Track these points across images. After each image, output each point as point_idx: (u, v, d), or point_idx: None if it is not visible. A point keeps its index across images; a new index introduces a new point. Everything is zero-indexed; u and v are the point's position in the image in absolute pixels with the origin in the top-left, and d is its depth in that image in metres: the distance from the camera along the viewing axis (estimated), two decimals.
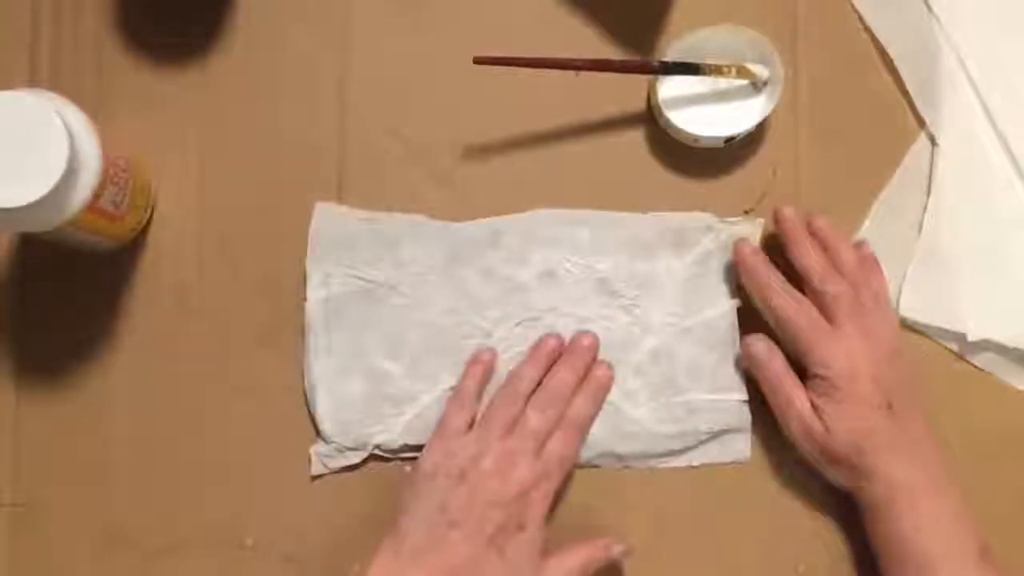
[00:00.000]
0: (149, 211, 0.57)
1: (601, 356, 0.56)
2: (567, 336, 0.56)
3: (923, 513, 0.51)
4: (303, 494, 0.56)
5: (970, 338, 0.58)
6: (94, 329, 0.57)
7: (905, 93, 0.59)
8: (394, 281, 0.57)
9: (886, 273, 0.57)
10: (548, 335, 0.56)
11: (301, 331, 0.56)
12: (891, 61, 0.59)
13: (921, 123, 0.59)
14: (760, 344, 0.55)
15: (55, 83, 0.57)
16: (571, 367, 0.55)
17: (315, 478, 0.56)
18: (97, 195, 0.49)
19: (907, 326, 0.58)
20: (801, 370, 0.54)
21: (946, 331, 0.58)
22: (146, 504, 0.55)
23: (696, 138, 0.57)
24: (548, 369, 0.55)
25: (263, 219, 0.57)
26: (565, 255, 0.57)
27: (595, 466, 0.56)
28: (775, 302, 0.54)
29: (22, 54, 0.58)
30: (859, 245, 0.57)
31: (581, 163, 0.58)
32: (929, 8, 0.60)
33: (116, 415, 0.56)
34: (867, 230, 0.59)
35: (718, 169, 0.59)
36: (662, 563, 0.56)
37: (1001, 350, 0.58)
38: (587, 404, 0.55)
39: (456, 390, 0.55)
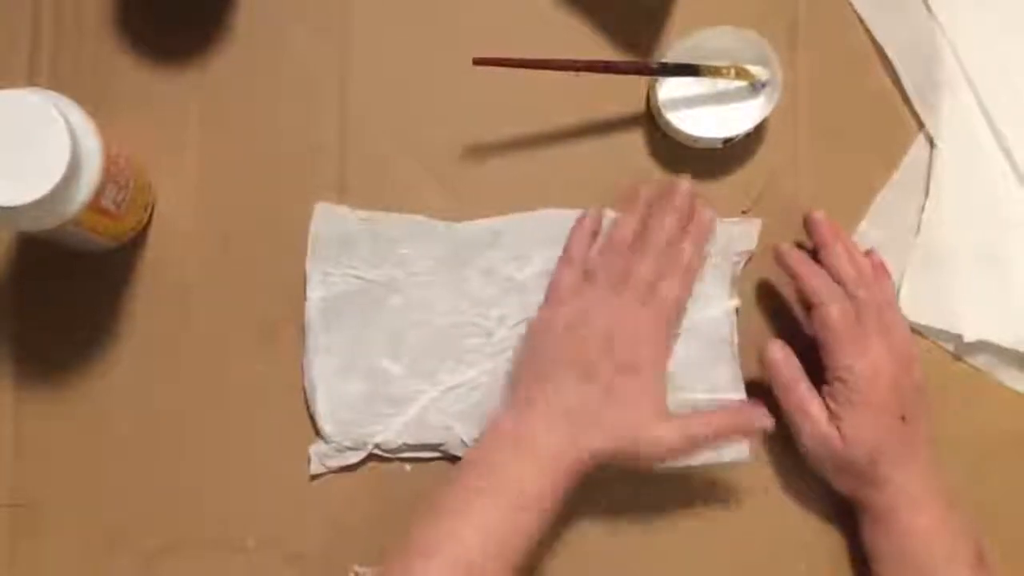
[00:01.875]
0: (149, 211, 0.57)
1: None
2: None
3: (924, 521, 0.52)
4: (303, 494, 0.56)
5: (967, 339, 0.58)
6: (94, 329, 0.56)
7: (904, 94, 0.60)
8: (394, 281, 0.57)
9: None
10: (646, 182, 0.56)
11: (301, 331, 0.56)
12: (890, 62, 0.59)
13: (920, 124, 0.60)
14: (777, 350, 0.55)
15: (55, 83, 0.57)
16: (674, 211, 0.54)
17: (314, 477, 0.56)
18: (98, 194, 0.49)
19: None
20: (815, 381, 0.54)
21: (943, 332, 0.58)
22: (146, 504, 0.55)
23: (695, 139, 0.57)
24: (645, 218, 0.55)
25: (263, 219, 0.57)
26: None
27: None
28: (817, 300, 0.54)
29: (22, 54, 0.57)
30: (870, 253, 0.57)
31: (581, 164, 0.59)
32: (928, 9, 0.60)
33: (116, 415, 0.56)
34: (865, 231, 0.59)
35: (717, 170, 0.59)
36: (663, 563, 0.56)
37: (998, 351, 0.59)
38: (694, 247, 0.54)
39: (564, 250, 0.56)
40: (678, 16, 0.59)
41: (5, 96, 0.47)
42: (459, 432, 0.56)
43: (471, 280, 0.57)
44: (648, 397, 0.51)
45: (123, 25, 0.58)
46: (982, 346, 0.58)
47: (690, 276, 0.54)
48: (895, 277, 0.58)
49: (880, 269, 0.56)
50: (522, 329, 0.56)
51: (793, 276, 0.55)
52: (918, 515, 0.52)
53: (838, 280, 0.54)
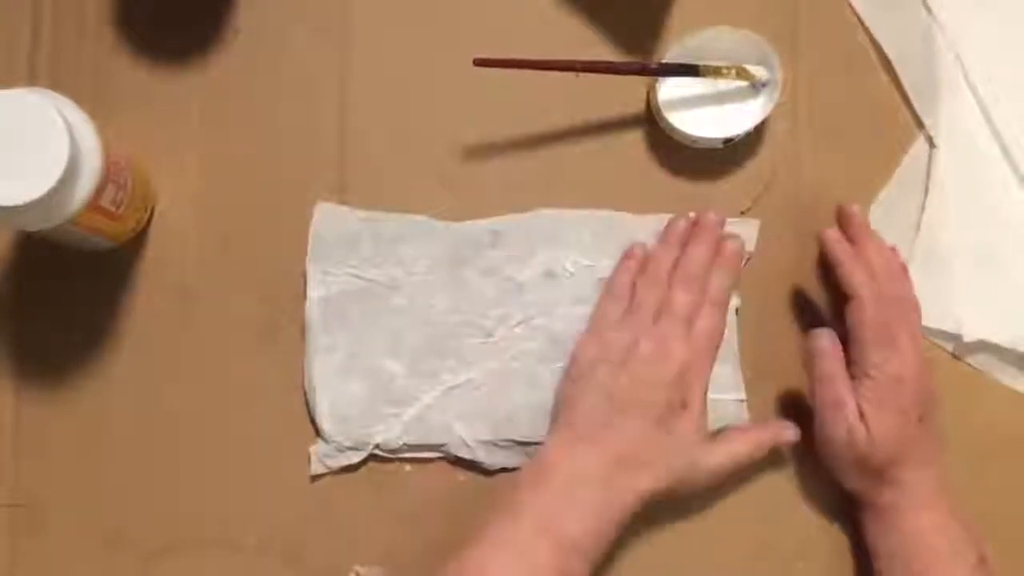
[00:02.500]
0: (149, 210, 0.57)
1: None
2: (567, 337, 0.56)
3: (928, 521, 0.52)
4: (303, 494, 0.56)
5: (966, 339, 0.58)
6: (94, 329, 0.56)
7: (904, 94, 0.60)
8: (395, 281, 0.57)
9: None
10: (676, 217, 0.57)
11: (301, 331, 0.56)
12: (890, 62, 0.59)
13: (919, 124, 0.60)
14: (825, 338, 0.54)
15: (55, 83, 0.57)
16: (704, 242, 0.55)
17: (315, 478, 0.56)
18: (98, 194, 0.49)
19: None
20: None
21: (942, 332, 0.58)
22: (146, 504, 0.55)
23: (695, 139, 0.57)
24: (681, 250, 0.56)
25: (263, 218, 0.57)
26: (566, 255, 0.57)
27: None
28: (860, 292, 0.53)
29: (22, 54, 0.57)
30: (894, 251, 0.57)
31: (581, 164, 0.59)
32: (928, 9, 0.60)
33: (116, 415, 0.56)
34: None
35: (717, 170, 0.59)
36: (661, 560, 0.56)
37: (997, 351, 0.59)
38: (724, 277, 0.55)
39: (609, 283, 0.56)
40: (678, 16, 0.59)
41: (4, 96, 0.47)
42: (460, 432, 0.56)
43: (471, 280, 0.57)
44: (700, 430, 0.52)
45: (123, 25, 0.58)
46: (981, 346, 0.58)
47: (722, 306, 0.54)
48: None
49: (905, 269, 0.56)
50: (521, 329, 0.57)
51: (836, 264, 0.55)
52: (923, 515, 0.52)
53: (871, 276, 0.54)
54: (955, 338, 0.58)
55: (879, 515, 0.53)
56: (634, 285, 0.55)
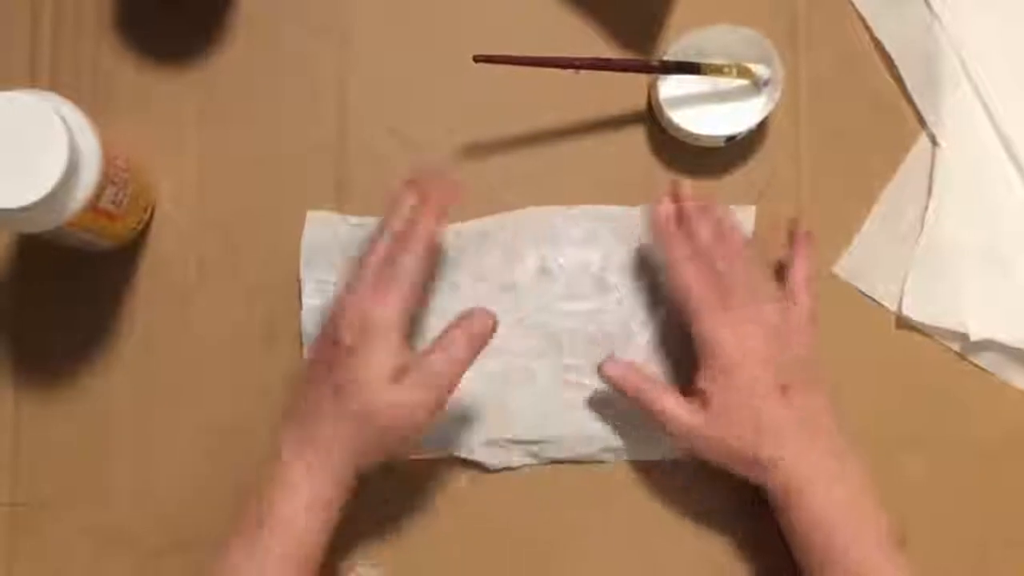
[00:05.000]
0: (149, 211, 0.57)
1: (597, 350, 0.56)
2: (564, 333, 0.56)
3: (823, 502, 0.50)
4: None
5: (972, 338, 0.57)
6: (94, 329, 0.57)
7: (906, 93, 0.59)
8: None
9: (885, 272, 0.57)
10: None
11: (300, 331, 0.56)
12: (892, 60, 0.59)
13: (922, 123, 0.59)
14: (609, 368, 0.54)
15: (55, 83, 0.57)
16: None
17: None
18: (97, 195, 0.49)
19: (909, 326, 0.58)
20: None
21: (948, 331, 0.58)
22: (146, 504, 0.55)
23: (697, 137, 0.57)
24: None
25: (263, 219, 0.57)
26: (558, 251, 0.57)
27: (599, 461, 0.57)
28: (678, 271, 0.53)
29: (22, 54, 0.58)
30: (795, 225, 0.56)
31: (582, 162, 0.58)
32: (930, 8, 0.60)
33: (116, 415, 0.56)
34: (868, 230, 0.59)
35: (718, 168, 0.59)
36: (660, 557, 0.56)
37: (1004, 350, 0.58)
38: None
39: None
40: (679, 14, 0.59)
41: (4, 98, 0.47)
42: (460, 433, 0.56)
43: (463, 281, 0.57)
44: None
45: (123, 25, 0.58)
46: (988, 345, 0.58)
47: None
48: (898, 277, 0.58)
49: (743, 243, 0.54)
50: (518, 328, 0.56)
51: (656, 241, 0.54)
52: (817, 496, 0.50)
53: (701, 253, 0.53)
54: (961, 337, 0.58)
55: (775, 503, 0.52)
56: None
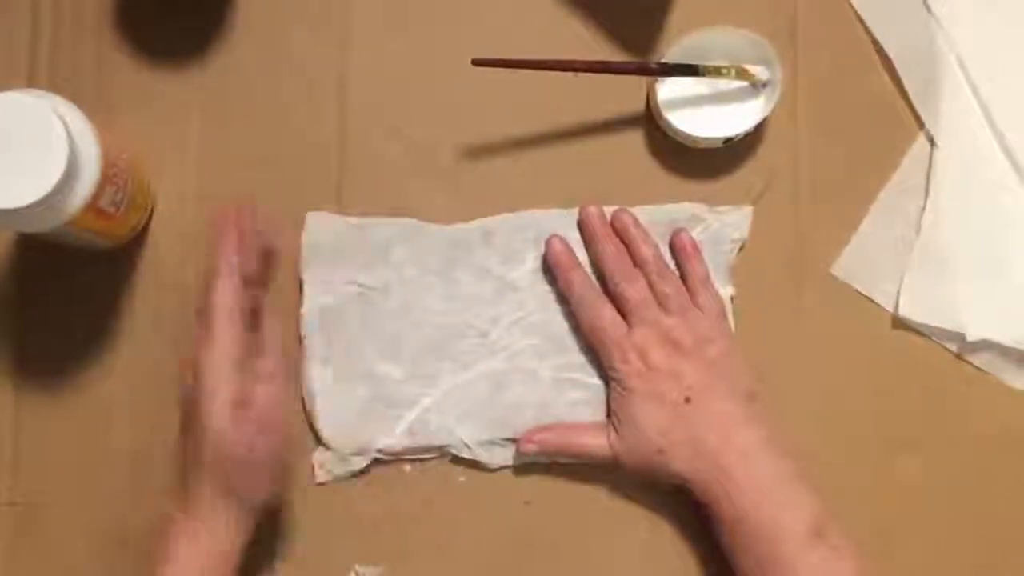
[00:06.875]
0: (149, 211, 0.57)
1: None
2: (564, 333, 0.57)
3: (742, 507, 0.51)
4: (303, 495, 0.56)
5: (969, 338, 0.58)
6: (94, 329, 0.57)
7: (904, 94, 0.59)
8: (388, 285, 0.57)
9: (882, 272, 0.58)
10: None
11: (299, 332, 0.56)
12: (890, 62, 0.59)
13: (920, 124, 0.59)
14: (527, 446, 0.55)
15: (54, 83, 0.57)
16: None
17: (319, 485, 0.56)
18: (97, 195, 0.49)
19: (906, 326, 0.58)
20: None
21: (945, 331, 0.58)
22: (146, 504, 0.55)
23: (695, 139, 0.57)
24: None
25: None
26: None
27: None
28: (577, 301, 0.55)
29: (22, 54, 0.58)
30: (676, 233, 0.57)
31: (581, 164, 0.59)
32: (928, 9, 0.60)
33: (116, 415, 0.56)
34: (866, 231, 0.59)
35: (717, 170, 0.59)
36: (661, 556, 0.56)
37: (1000, 350, 0.58)
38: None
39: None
40: (678, 16, 0.59)
41: (3, 98, 0.47)
42: (460, 433, 0.56)
43: (463, 281, 0.57)
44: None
45: (123, 25, 0.58)
46: (984, 345, 0.58)
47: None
48: (895, 277, 0.58)
49: (690, 249, 0.56)
50: (517, 328, 0.57)
51: (587, 244, 0.57)
52: (734, 501, 0.51)
53: (602, 276, 0.56)
54: (958, 337, 0.58)
55: (705, 514, 0.52)
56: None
